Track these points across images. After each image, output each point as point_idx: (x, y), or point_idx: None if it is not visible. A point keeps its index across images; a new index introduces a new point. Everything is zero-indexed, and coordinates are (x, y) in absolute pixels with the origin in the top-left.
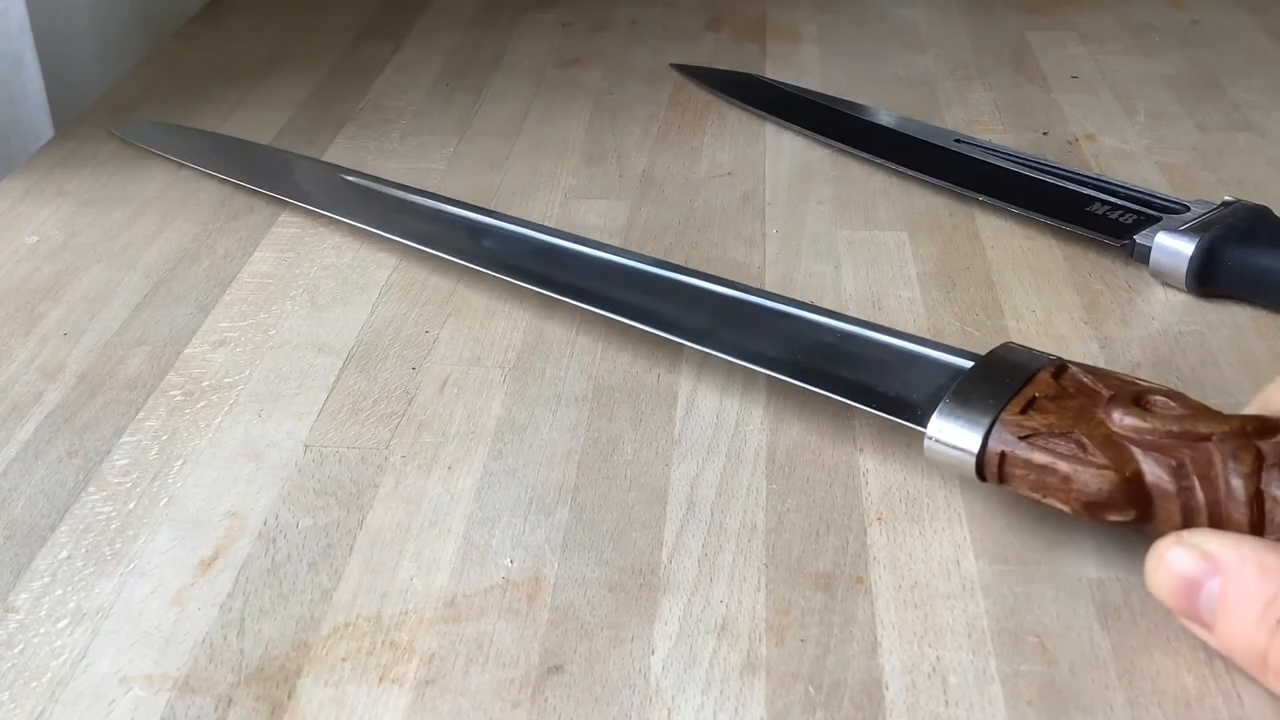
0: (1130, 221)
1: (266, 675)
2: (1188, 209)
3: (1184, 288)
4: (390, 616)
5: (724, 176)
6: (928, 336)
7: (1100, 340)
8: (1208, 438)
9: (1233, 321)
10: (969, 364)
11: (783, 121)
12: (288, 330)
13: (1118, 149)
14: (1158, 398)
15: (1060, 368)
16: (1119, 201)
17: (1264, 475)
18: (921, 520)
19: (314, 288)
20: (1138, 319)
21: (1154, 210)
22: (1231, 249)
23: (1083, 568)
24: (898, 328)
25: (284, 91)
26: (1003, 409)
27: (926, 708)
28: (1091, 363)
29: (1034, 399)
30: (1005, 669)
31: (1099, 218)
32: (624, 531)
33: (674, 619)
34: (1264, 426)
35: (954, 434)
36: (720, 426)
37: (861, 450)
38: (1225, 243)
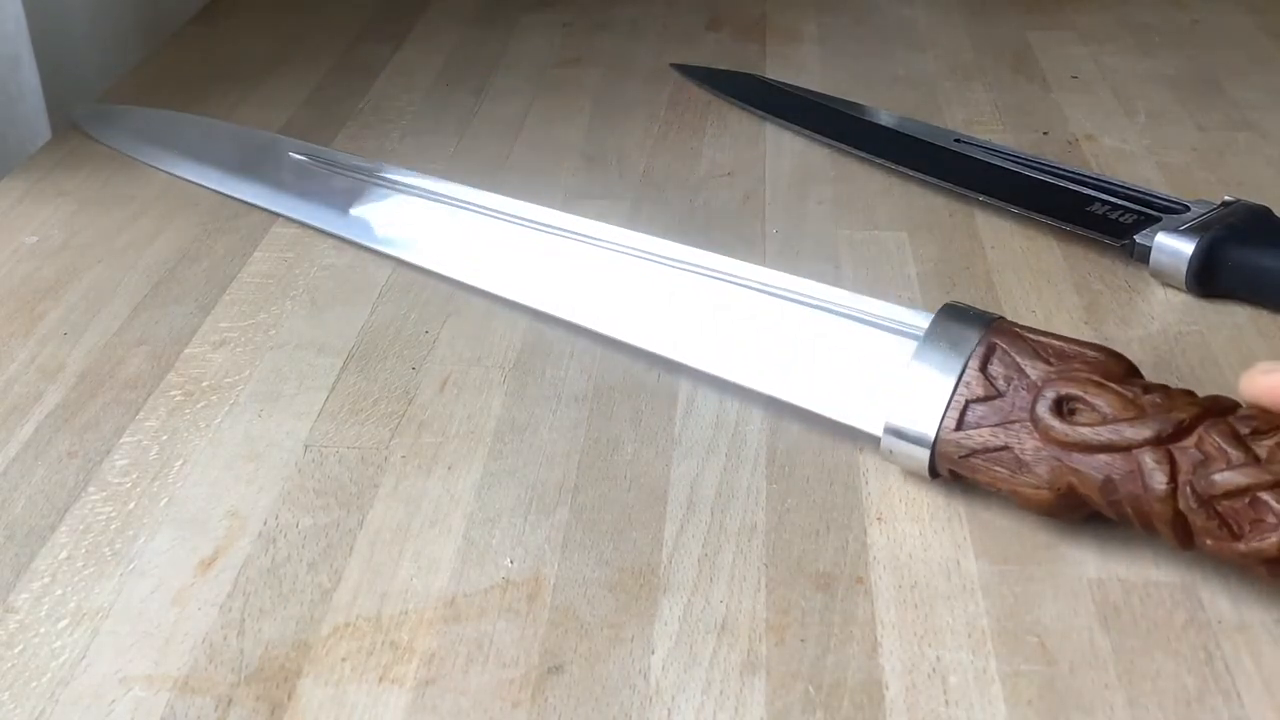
0: (1130, 221)
1: (266, 675)
2: (1188, 209)
3: (1184, 288)
4: (390, 616)
5: (724, 176)
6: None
7: (1100, 340)
8: (1128, 449)
9: (1233, 321)
10: (908, 338)
11: (783, 121)
12: (288, 330)
13: (1118, 149)
14: (1080, 399)
15: (988, 351)
16: (1119, 201)
17: (1179, 497)
18: (921, 520)
19: (314, 288)
20: (1138, 319)
21: (1154, 210)
22: (1231, 249)
23: (1083, 568)
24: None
25: (284, 92)
26: (941, 422)
27: (926, 708)
28: None
29: (967, 406)
30: (1005, 669)
31: (1099, 218)
32: (624, 531)
33: (674, 619)
34: (1180, 428)
35: (905, 455)
36: (720, 426)
37: (861, 450)
38: (1225, 243)
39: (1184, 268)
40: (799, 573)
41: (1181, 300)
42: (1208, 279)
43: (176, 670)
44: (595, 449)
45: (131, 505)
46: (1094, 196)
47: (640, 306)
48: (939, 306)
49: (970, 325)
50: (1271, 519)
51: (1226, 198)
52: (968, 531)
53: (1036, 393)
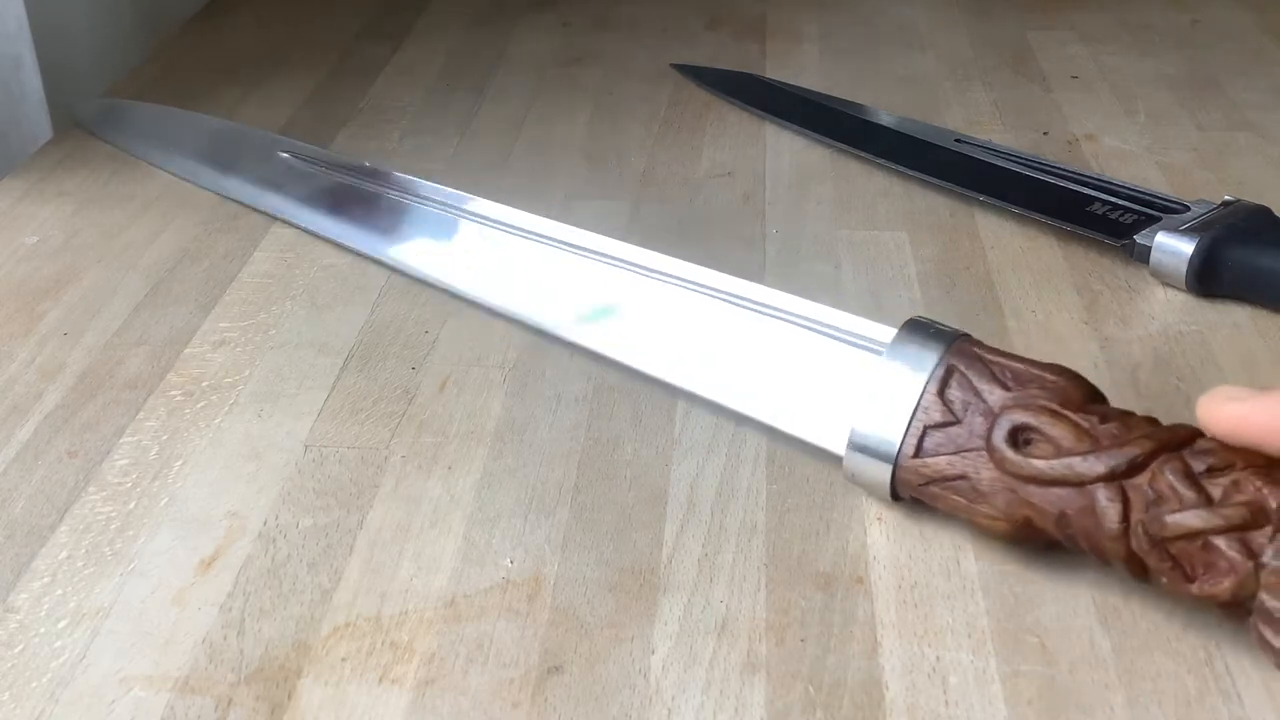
0: (1130, 221)
1: (266, 675)
2: (1188, 209)
3: (1184, 288)
4: (390, 616)
5: (724, 176)
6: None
7: (1100, 340)
8: (1082, 484)
9: (1233, 321)
10: (873, 354)
11: (783, 121)
12: (288, 330)
13: (1118, 149)
14: (1033, 429)
15: (947, 374)
16: (1119, 201)
17: (1131, 536)
18: (921, 520)
19: (314, 288)
20: (1138, 319)
21: (1154, 210)
22: (1231, 249)
23: (1083, 567)
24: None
25: (284, 91)
26: (900, 449)
27: (926, 708)
28: (1091, 363)
29: (925, 432)
30: (1005, 669)
31: (1099, 218)
32: (624, 531)
33: (674, 619)
34: (1134, 465)
35: (866, 479)
36: (720, 426)
37: None
38: (1225, 243)
39: (1184, 268)
40: (799, 573)
41: (1181, 300)
42: (1208, 279)
43: (176, 670)
44: (595, 449)
45: (131, 505)
46: (1094, 196)
47: (606, 316)
48: (903, 321)
49: (930, 346)
50: (1224, 564)
51: (1226, 198)
52: (968, 531)
53: (993, 420)
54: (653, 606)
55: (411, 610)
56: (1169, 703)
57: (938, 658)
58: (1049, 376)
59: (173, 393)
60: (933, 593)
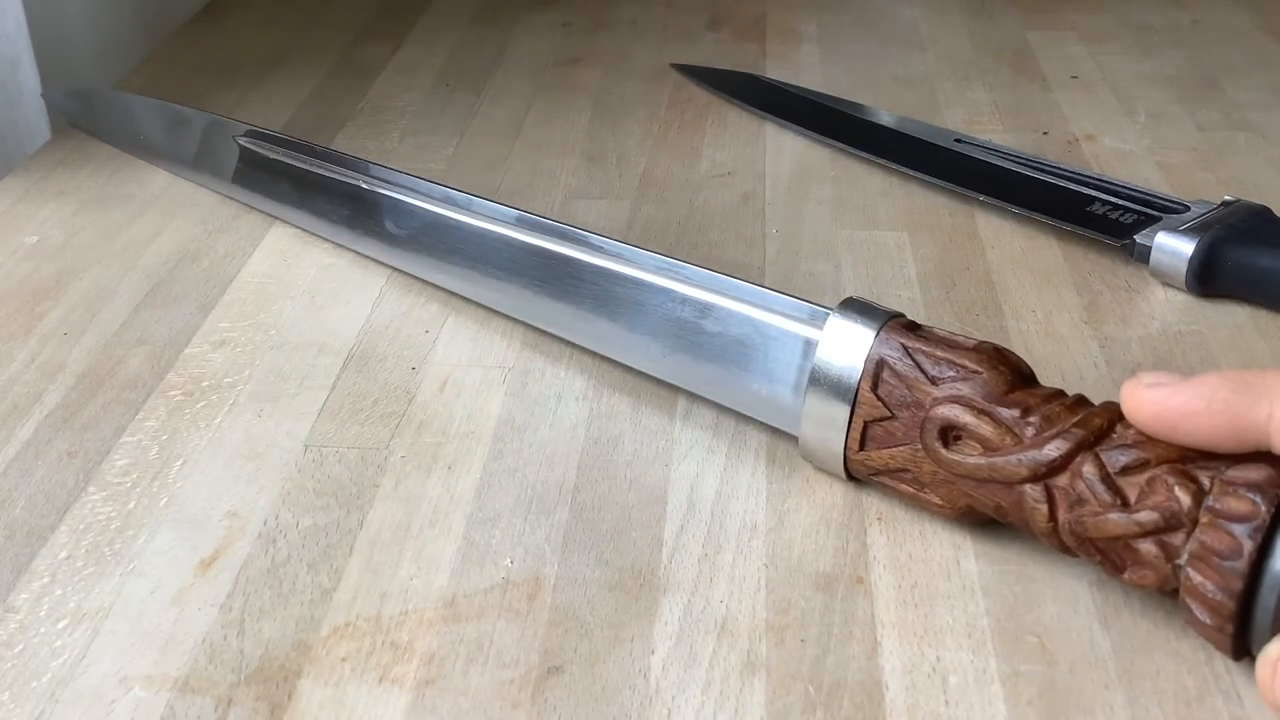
0: (1130, 221)
1: (266, 675)
2: (1188, 209)
3: (1184, 287)
4: (390, 616)
5: (724, 176)
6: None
7: (1100, 340)
8: (1010, 484)
9: (1233, 321)
10: (815, 333)
11: (783, 121)
12: (288, 330)
13: (1118, 149)
14: (960, 427)
15: (877, 369)
16: (1119, 201)
17: (1060, 533)
18: (921, 520)
19: (314, 288)
20: (1138, 319)
21: (1154, 210)
22: (1231, 249)
23: (1083, 567)
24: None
25: (284, 91)
26: (845, 443)
27: (926, 708)
28: (1091, 363)
29: (866, 428)
30: (1005, 669)
31: (1099, 218)
32: (624, 531)
33: (674, 619)
34: (1053, 467)
35: (824, 465)
36: (720, 426)
37: None
38: (1225, 243)
39: (1184, 268)
40: (799, 573)
41: (1181, 300)
42: (1208, 279)
43: (176, 670)
44: (595, 449)
45: (131, 505)
46: (1094, 196)
47: (606, 315)
48: (838, 303)
49: (859, 338)
50: (1146, 561)
51: (1226, 198)
52: (968, 531)
53: (924, 417)
54: (653, 606)
55: (411, 610)
56: (1169, 703)
57: (938, 658)
58: (970, 365)
59: (173, 393)
60: (933, 593)
